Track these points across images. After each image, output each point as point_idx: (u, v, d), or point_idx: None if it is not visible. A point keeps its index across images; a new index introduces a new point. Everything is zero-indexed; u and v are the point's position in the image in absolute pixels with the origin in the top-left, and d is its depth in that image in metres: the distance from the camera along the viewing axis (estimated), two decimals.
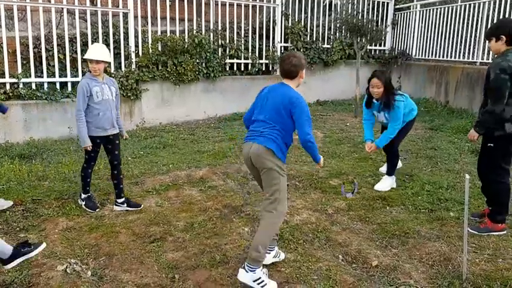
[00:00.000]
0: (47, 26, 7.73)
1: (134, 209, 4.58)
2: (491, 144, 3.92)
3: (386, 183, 5.22)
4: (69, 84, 7.65)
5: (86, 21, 7.84)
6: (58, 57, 7.50)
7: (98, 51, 4.34)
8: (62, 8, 7.64)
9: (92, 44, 7.67)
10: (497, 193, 4.08)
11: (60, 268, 3.38)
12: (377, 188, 5.18)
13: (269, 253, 3.45)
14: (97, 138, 4.45)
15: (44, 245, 3.43)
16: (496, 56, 4.00)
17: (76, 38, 7.64)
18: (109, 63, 7.34)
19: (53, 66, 7.47)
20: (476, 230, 4.07)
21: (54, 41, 7.40)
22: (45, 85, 7.39)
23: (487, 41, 4.09)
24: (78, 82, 7.69)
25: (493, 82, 3.77)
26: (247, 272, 3.15)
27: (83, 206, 4.58)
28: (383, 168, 5.59)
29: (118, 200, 4.61)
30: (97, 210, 4.56)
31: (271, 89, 3.46)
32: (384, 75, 4.84)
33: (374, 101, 4.99)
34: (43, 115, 7.18)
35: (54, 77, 7.45)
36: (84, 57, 4.44)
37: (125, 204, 4.59)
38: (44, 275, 3.30)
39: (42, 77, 7.37)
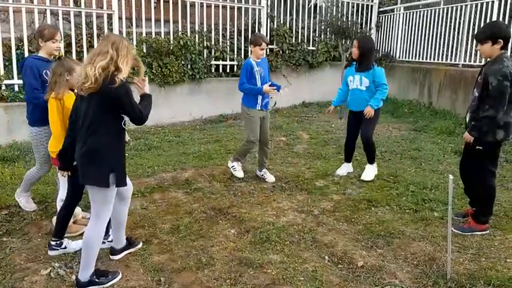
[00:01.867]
0: (30, 27, 7.61)
1: None
2: (481, 148, 3.97)
3: (370, 172, 5.56)
4: None
5: (69, 22, 7.75)
6: None
7: None
8: (45, 9, 7.55)
9: (76, 45, 7.61)
10: (485, 195, 4.13)
11: (44, 272, 3.34)
12: (364, 178, 5.52)
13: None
14: None
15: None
16: (488, 60, 3.96)
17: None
18: None
19: None
20: (459, 229, 4.12)
21: None
22: None
23: (478, 44, 3.95)
24: None
25: (496, 89, 3.73)
26: (230, 161, 5.61)
27: None
28: (341, 171, 5.79)
29: None
30: None
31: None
32: (364, 40, 5.63)
33: (354, 63, 5.52)
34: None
35: None
36: None
37: None
38: (27, 279, 3.26)
39: None
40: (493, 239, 3.98)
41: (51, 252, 3.64)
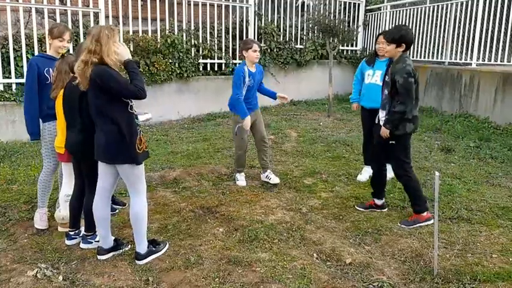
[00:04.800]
0: (15, 25, 7.54)
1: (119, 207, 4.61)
2: (393, 142, 4.21)
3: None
4: None
5: (55, 20, 7.68)
6: (27, 57, 7.31)
7: None
8: (31, 8, 7.47)
9: None
10: (408, 186, 4.30)
11: (31, 273, 3.30)
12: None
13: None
14: None
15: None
16: (393, 60, 4.21)
17: (45, 38, 7.45)
18: None
19: (22, 66, 7.29)
20: (405, 224, 4.24)
21: (23, 41, 7.22)
22: (14, 86, 7.21)
23: (385, 43, 4.27)
24: None
25: (403, 86, 4.06)
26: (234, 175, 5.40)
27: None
28: (361, 176, 5.53)
29: None
30: None
31: None
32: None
33: (378, 59, 5.20)
34: (12, 117, 7.00)
35: (23, 77, 7.26)
36: None
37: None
38: (13, 281, 3.22)
39: (11, 78, 7.19)
40: (479, 235, 4.03)
41: (68, 242, 3.80)
